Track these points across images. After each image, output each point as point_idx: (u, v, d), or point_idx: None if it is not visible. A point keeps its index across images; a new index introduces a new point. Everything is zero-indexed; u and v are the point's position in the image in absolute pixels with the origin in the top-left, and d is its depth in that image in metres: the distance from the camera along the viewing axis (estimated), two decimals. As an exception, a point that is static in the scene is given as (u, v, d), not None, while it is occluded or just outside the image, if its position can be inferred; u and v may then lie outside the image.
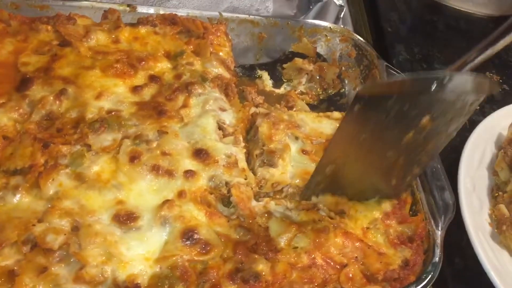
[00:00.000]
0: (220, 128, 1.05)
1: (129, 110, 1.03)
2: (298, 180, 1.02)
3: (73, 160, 0.94)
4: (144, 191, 0.93)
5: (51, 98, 1.01)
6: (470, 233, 1.06)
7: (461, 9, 1.76)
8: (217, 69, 1.16)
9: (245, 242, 0.90)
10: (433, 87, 0.77)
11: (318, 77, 1.34)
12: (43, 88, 1.03)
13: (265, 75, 1.35)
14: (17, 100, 1.00)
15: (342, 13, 1.57)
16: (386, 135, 0.85)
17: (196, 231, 0.88)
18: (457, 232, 1.04)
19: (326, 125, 1.13)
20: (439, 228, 0.96)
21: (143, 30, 1.19)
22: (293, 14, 1.60)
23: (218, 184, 0.96)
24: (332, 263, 0.90)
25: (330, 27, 1.30)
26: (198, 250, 0.86)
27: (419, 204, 1.01)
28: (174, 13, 1.22)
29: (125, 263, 0.83)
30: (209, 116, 1.05)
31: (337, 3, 1.56)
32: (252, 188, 0.99)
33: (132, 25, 1.20)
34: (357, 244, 0.93)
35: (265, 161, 1.03)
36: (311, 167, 1.01)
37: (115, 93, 1.05)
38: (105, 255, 0.83)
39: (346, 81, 1.34)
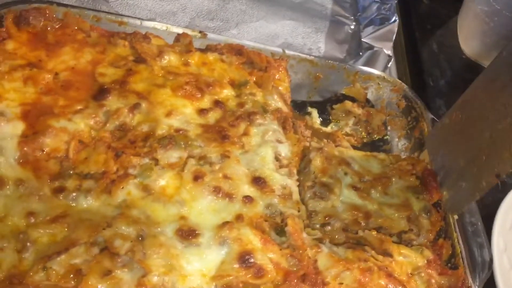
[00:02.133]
0: (276, 159, 1.11)
1: (195, 131, 1.09)
2: (347, 214, 1.08)
3: (141, 172, 0.99)
4: (204, 210, 0.98)
5: (126, 110, 1.07)
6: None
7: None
8: (277, 103, 1.22)
9: (295, 272, 0.94)
10: None
11: (364, 121, 1.41)
12: (118, 100, 1.09)
13: (314, 112, 1.42)
14: (94, 108, 1.07)
15: (390, 63, 1.65)
16: None
17: (252, 255, 0.92)
18: (488, 289, 1.09)
19: (373, 164, 1.20)
20: (476, 284, 1.01)
21: (211, 56, 1.26)
22: (342, 58, 1.68)
23: (273, 212, 1.02)
24: (374, 302, 0.95)
25: (383, 77, 1.37)
26: (253, 273, 0.91)
27: (458, 257, 1.05)
28: (241, 44, 1.29)
29: (184, 276, 0.88)
30: (268, 146, 1.11)
31: (386, 52, 1.64)
32: (303, 220, 1.04)
33: (201, 50, 1.27)
34: (399, 287, 0.98)
35: (317, 193, 1.10)
36: (359, 203, 1.09)
37: (183, 113, 1.11)
38: (167, 266, 0.88)
39: (389, 128, 1.40)
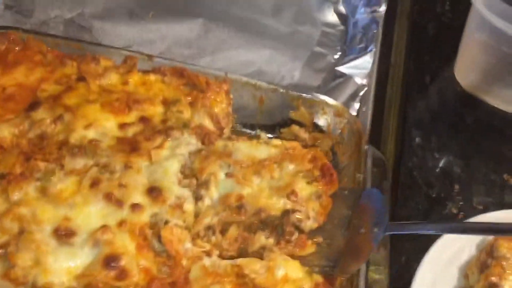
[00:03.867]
0: (181, 172, 1.14)
1: (108, 142, 1.16)
2: (220, 205, 1.06)
3: (44, 175, 1.08)
4: (92, 214, 1.03)
5: (48, 121, 1.17)
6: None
7: (498, 107, 1.69)
8: (203, 120, 1.26)
9: (162, 279, 0.96)
10: None
11: (311, 146, 1.38)
12: (47, 113, 1.20)
13: (262, 134, 1.41)
14: (22, 118, 1.18)
15: (362, 92, 1.61)
16: None
17: (119, 258, 0.96)
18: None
19: (261, 151, 1.17)
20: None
21: (152, 77, 1.33)
22: (316, 86, 1.67)
23: (158, 221, 1.04)
24: (239, 320, 0.93)
25: (325, 101, 1.35)
26: (115, 275, 0.94)
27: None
28: (183, 67, 1.35)
29: (47, 272, 0.93)
30: (175, 159, 1.14)
31: (357, 81, 1.62)
32: (190, 231, 1.05)
33: (145, 72, 1.35)
34: (268, 308, 0.95)
35: (197, 196, 1.09)
36: (237, 189, 1.08)
37: (102, 126, 1.19)
38: (34, 261, 0.94)
39: (337, 154, 1.36)
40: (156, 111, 1.26)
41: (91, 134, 1.17)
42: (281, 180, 1.12)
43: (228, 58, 1.71)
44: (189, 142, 1.19)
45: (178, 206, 1.06)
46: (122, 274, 0.94)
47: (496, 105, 1.68)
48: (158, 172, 1.12)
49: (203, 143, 1.22)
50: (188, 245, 1.03)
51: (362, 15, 1.84)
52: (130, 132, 1.20)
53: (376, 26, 1.79)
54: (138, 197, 1.06)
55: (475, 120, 1.65)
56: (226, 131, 1.33)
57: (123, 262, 0.95)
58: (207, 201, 1.09)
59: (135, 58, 1.36)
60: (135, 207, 1.04)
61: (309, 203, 1.08)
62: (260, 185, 1.10)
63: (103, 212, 1.04)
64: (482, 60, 1.67)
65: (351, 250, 1.03)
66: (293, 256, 1.04)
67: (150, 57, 1.39)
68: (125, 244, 0.99)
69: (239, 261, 1.01)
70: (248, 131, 1.43)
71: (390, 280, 1.10)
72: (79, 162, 1.11)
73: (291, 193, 1.08)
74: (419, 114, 1.67)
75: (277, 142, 1.20)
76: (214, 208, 1.07)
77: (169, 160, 1.14)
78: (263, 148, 1.19)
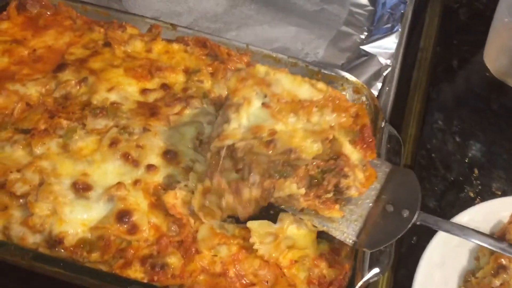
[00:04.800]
0: (197, 138, 1.16)
1: (129, 106, 1.20)
2: (248, 134, 0.96)
3: (66, 133, 1.12)
4: (109, 171, 1.07)
5: (73, 82, 1.22)
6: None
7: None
8: (222, 90, 1.28)
9: (171, 237, 0.99)
10: None
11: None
12: (72, 75, 1.24)
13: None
14: (49, 78, 1.23)
15: (386, 71, 1.60)
16: None
17: (131, 214, 0.99)
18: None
19: (304, 90, 1.06)
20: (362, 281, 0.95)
21: (175, 46, 1.36)
22: (339, 64, 1.67)
23: (172, 182, 1.07)
24: (242, 280, 0.96)
25: (345, 77, 1.35)
26: (126, 229, 0.98)
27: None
28: (206, 37, 1.37)
29: (63, 221, 0.98)
30: (192, 126, 1.17)
31: (381, 60, 1.60)
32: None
33: (168, 41, 1.38)
34: (273, 270, 0.97)
35: (223, 116, 1.01)
36: (270, 123, 0.97)
37: (124, 90, 1.22)
38: (51, 211, 0.99)
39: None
40: (177, 79, 1.29)
41: (113, 96, 1.21)
42: (318, 125, 1.02)
43: (253, 33, 1.72)
44: (208, 112, 1.21)
45: (190, 169, 1.09)
46: (133, 229, 0.97)
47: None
48: (175, 137, 1.15)
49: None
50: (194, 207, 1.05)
51: (391, -4, 1.81)
52: (151, 97, 1.24)
53: (405, 7, 1.77)
54: (154, 159, 1.10)
55: (500, 105, 1.62)
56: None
57: (134, 218, 0.99)
58: (233, 124, 0.98)
59: (159, 27, 1.39)
60: (150, 167, 1.08)
61: (356, 170, 0.98)
62: (295, 125, 1.00)
63: (119, 170, 1.07)
64: (511, 46, 1.63)
65: (376, 225, 0.99)
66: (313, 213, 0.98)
67: (174, 26, 1.41)
68: (138, 201, 1.02)
69: (249, 223, 1.00)
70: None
71: (396, 258, 1.10)
72: (100, 123, 1.15)
73: (340, 155, 0.97)
74: (444, 98, 1.64)
75: (323, 86, 1.09)
76: (241, 133, 0.98)
77: (187, 126, 1.17)
78: (306, 88, 1.07)
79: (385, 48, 1.65)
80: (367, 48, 1.66)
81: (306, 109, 1.03)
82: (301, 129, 1.00)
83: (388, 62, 1.62)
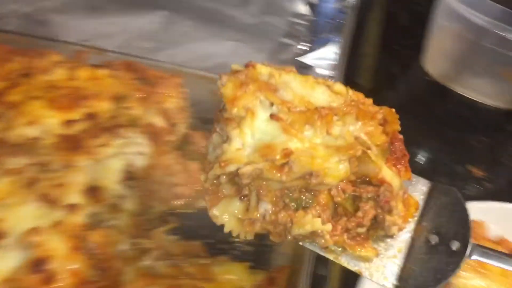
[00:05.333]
0: (126, 171, 1.10)
1: (51, 140, 1.12)
2: (256, 156, 0.73)
3: (-21, 176, 1.04)
4: (27, 215, 0.99)
5: (-12, 119, 1.13)
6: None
7: (466, 96, 1.66)
8: (153, 117, 1.22)
9: (93, 282, 0.93)
10: None
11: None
12: (-12, 110, 1.16)
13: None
14: (-38, 116, 1.15)
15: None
16: None
17: (47, 262, 0.92)
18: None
19: (319, 94, 0.81)
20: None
21: (101, 72, 1.29)
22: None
23: (96, 222, 1.01)
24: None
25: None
26: (41, 279, 0.91)
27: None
28: (133, 61, 1.31)
29: (-27, 275, 0.90)
30: (120, 158, 1.11)
31: (320, 72, 1.58)
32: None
33: (95, 66, 1.31)
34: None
35: (220, 133, 0.78)
36: (282, 140, 0.74)
37: (46, 123, 1.15)
38: (-38, 265, 0.91)
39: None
40: (104, 107, 1.22)
41: (32, 131, 1.13)
42: (341, 138, 0.78)
43: (190, 51, 1.66)
44: (137, 142, 1.15)
45: (118, 207, 1.03)
46: (49, 278, 0.90)
47: (464, 94, 1.64)
48: (99, 171, 1.08)
49: (153, 140, 1.18)
50: (123, 246, 0.99)
51: (331, 4, 1.79)
52: (75, 129, 1.16)
53: (345, 16, 1.75)
54: (76, 197, 1.03)
55: (442, 110, 1.62)
56: (181, 127, 1.30)
57: (50, 266, 0.92)
58: (235, 144, 0.74)
59: (83, 52, 1.32)
60: (71, 207, 1.01)
61: (399, 202, 0.78)
62: (311, 140, 0.76)
63: (37, 213, 1.00)
64: (451, 49, 1.63)
65: (419, 262, 0.80)
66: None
67: (100, 51, 1.35)
68: (56, 246, 0.95)
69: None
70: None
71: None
72: (17, 162, 1.07)
73: (380, 181, 0.77)
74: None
75: (341, 87, 0.83)
76: (246, 155, 0.74)
77: (113, 159, 1.10)
78: (322, 91, 0.82)
79: (326, 58, 1.62)
80: (306, 59, 1.63)
81: (324, 118, 0.78)
82: (321, 145, 0.77)
83: (329, 73, 1.59)
